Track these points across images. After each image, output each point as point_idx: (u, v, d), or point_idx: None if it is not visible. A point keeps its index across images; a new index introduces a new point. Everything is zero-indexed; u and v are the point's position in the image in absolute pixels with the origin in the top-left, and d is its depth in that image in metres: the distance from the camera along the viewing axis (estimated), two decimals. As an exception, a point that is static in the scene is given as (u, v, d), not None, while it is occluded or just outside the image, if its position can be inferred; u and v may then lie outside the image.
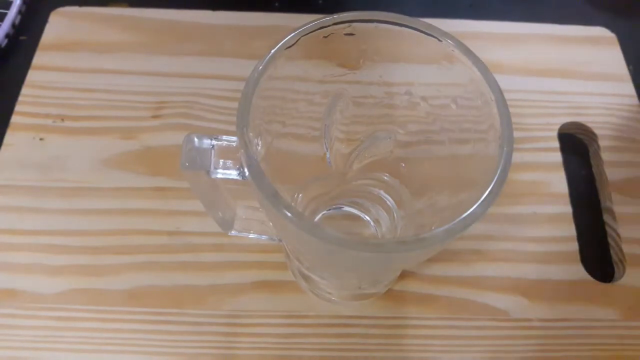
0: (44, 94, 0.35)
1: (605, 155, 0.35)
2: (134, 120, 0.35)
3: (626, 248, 0.32)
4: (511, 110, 0.19)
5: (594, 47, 0.39)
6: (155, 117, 0.35)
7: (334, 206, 0.29)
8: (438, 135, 0.24)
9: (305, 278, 0.29)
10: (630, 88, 0.37)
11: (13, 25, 0.39)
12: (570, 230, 0.32)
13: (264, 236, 0.28)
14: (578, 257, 0.31)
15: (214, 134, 0.21)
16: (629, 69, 0.38)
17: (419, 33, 0.20)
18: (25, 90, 0.35)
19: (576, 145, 0.36)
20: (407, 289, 0.30)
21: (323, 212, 0.28)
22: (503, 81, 0.20)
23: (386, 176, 0.27)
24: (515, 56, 0.38)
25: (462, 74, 0.20)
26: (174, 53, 0.37)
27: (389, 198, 0.28)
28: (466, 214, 0.17)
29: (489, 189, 0.17)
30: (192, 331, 0.28)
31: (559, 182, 0.33)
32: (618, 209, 0.33)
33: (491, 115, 0.19)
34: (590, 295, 0.30)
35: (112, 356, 0.28)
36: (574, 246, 0.32)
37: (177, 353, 0.28)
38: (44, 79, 0.36)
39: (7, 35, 0.38)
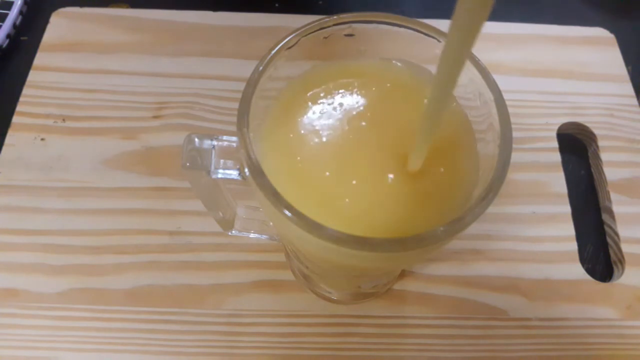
0: (45, 94, 0.35)
1: (604, 156, 0.35)
2: (134, 121, 0.35)
3: (625, 247, 0.32)
4: (510, 110, 0.19)
5: (593, 48, 0.39)
6: (156, 117, 0.35)
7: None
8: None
9: (306, 277, 0.29)
10: (629, 88, 0.37)
11: (14, 26, 0.39)
12: (569, 229, 0.32)
13: (264, 236, 0.28)
14: (577, 256, 0.31)
15: (214, 134, 0.21)
16: (628, 70, 0.38)
17: (418, 34, 0.21)
18: (26, 91, 0.36)
19: (575, 146, 0.37)
20: (407, 289, 0.30)
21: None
22: (502, 81, 0.20)
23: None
24: (514, 57, 0.38)
25: (461, 74, 0.21)
26: (175, 54, 0.37)
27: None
28: (465, 213, 0.17)
29: (488, 189, 0.18)
30: (193, 330, 0.28)
31: (558, 182, 0.34)
32: (617, 208, 0.33)
33: (490, 115, 0.20)
34: (589, 295, 0.30)
35: (113, 355, 0.28)
36: (573, 246, 0.32)
37: (177, 352, 0.28)
38: (45, 80, 0.36)
39: (8, 36, 0.38)
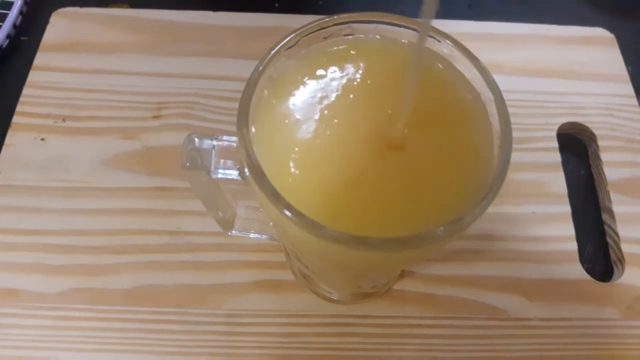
0: (45, 94, 0.35)
1: (604, 156, 0.35)
2: (134, 121, 0.35)
3: (625, 247, 0.32)
4: (510, 110, 0.19)
5: (593, 48, 0.39)
6: (156, 117, 0.35)
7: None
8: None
9: (306, 277, 0.29)
10: (629, 88, 0.37)
11: (14, 26, 0.39)
12: (569, 229, 0.32)
13: (264, 236, 0.28)
14: (577, 256, 0.31)
15: (214, 134, 0.21)
16: (628, 70, 0.38)
17: (418, 34, 0.21)
18: (26, 91, 0.36)
19: (575, 146, 0.37)
20: (407, 289, 0.30)
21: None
22: (502, 81, 0.20)
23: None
24: (514, 57, 0.38)
25: (462, 74, 0.21)
26: (175, 53, 0.37)
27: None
28: (465, 213, 0.17)
29: (488, 189, 0.18)
30: (193, 330, 0.28)
31: (558, 182, 0.34)
32: (617, 208, 0.33)
33: (490, 115, 0.20)
34: (589, 295, 0.30)
35: (113, 355, 0.28)
36: (573, 246, 0.32)
37: (178, 352, 0.28)
38: (45, 80, 0.36)
39: (8, 36, 0.38)
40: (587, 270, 0.31)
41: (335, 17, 0.20)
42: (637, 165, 0.35)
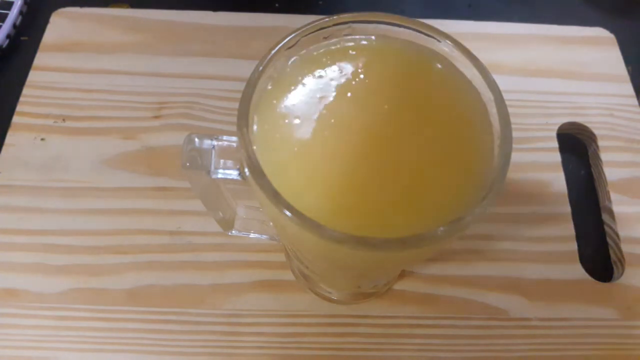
0: (45, 95, 0.35)
1: (604, 156, 0.35)
2: (134, 121, 0.35)
3: (625, 248, 0.32)
4: (510, 110, 0.19)
5: (593, 48, 0.39)
6: (156, 117, 0.35)
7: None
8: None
9: (306, 277, 0.29)
10: (629, 88, 0.37)
11: (14, 26, 0.39)
12: (569, 230, 0.32)
13: (264, 236, 0.28)
14: (577, 256, 0.31)
15: (214, 134, 0.21)
16: (628, 70, 0.38)
17: (418, 34, 0.21)
18: (26, 91, 0.36)
19: (575, 146, 0.37)
20: (407, 289, 0.30)
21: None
22: (502, 81, 0.20)
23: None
24: (514, 57, 0.38)
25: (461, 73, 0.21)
26: (175, 54, 0.37)
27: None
28: (465, 213, 0.17)
29: (488, 189, 0.18)
30: (193, 330, 0.28)
31: (558, 182, 0.34)
32: (617, 208, 0.33)
33: (490, 115, 0.20)
34: (589, 295, 0.30)
35: (114, 355, 0.28)
36: (573, 246, 0.32)
37: (178, 352, 0.28)
38: (45, 80, 0.36)
39: (8, 36, 0.38)
40: (587, 270, 0.31)
41: (335, 17, 0.20)
42: (637, 165, 0.35)
